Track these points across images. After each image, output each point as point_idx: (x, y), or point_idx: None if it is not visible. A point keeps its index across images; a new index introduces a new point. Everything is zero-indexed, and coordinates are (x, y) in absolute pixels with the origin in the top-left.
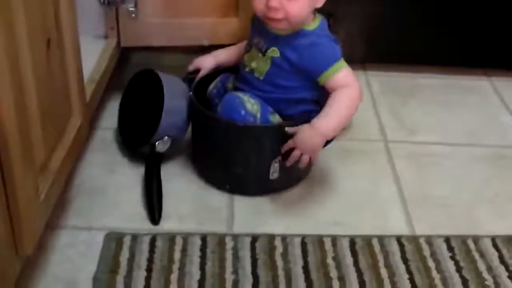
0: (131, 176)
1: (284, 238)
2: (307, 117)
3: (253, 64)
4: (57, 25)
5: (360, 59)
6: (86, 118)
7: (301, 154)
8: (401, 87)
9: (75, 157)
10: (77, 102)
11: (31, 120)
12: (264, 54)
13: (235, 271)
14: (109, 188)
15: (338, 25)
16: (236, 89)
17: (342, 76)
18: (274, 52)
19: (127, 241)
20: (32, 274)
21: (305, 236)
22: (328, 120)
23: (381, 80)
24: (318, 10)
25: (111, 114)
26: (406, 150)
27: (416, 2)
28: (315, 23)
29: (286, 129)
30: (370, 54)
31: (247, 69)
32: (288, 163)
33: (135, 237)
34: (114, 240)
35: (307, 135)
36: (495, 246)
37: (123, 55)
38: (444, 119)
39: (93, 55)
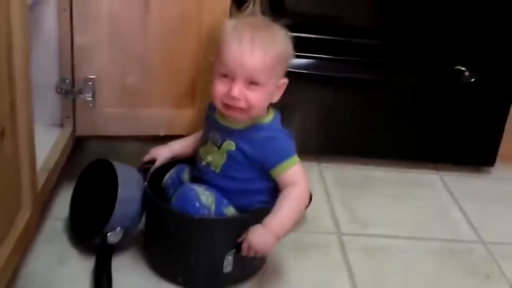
0: (81, 269)
1: None
2: (260, 209)
3: (209, 158)
4: (12, 114)
5: (314, 151)
6: (36, 210)
7: (255, 253)
8: (354, 180)
9: (23, 250)
10: (28, 193)
11: None
12: (219, 147)
13: None
14: (57, 281)
15: (291, 118)
16: (194, 180)
17: (293, 173)
18: (230, 145)
19: None
20: None
21: None
22: (279, 219)
23: (334, 172)
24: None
25: (63, 204)
26: (359, 243)
27: (367, 97)
28: (269, 117)
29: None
30: (323, 147)
31: (203, 163)
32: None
33: None
34: None
35: (259, 234)
36: None
37: (77, 143)
38: (396, 212)
39: (47, 144)
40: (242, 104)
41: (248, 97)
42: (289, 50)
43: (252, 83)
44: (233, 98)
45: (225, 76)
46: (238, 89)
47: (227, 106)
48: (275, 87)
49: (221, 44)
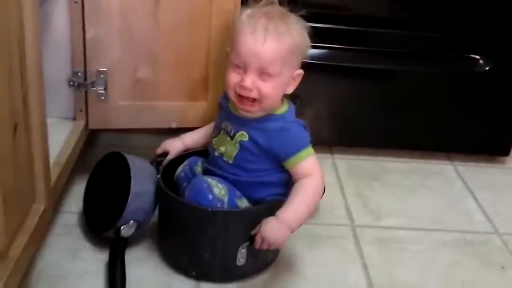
0: (94, 262)
1: None
2: (274, 201)
3: (222, 148)
4: (25, 110)
5: (327, 142)
6: (50, 203)
7: (268, 245)
8: (367, 171)
9: (37, 244)
10: (41, 186)
11: None
12: (232, 138)
13: None
14: (71, 275)
15: (305, 109)
16: (206, 171)
17: (307, 164)
18: (243, 136)
19: None
20: None
21: None
22: (293, 211)
23: (348, 163)
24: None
25: (76, 197)
26: (373, 235)
27: (381, 87)
28: (283, 108)
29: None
30: (337, 138)
31: (216, 153)
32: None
33: None
34: None
35: (273, 227)
36: None
37: (90, 136)
38: (409, 203)
39: (60, 137)
40: (254, 94)
41: (261, 88)
42: (305, 41)
43: (264, 73)
44: (245, 88)
45: (238, 66)
46: (250, 79)
47: (240, 97)
48: (289, 78)
49: (235, 34)
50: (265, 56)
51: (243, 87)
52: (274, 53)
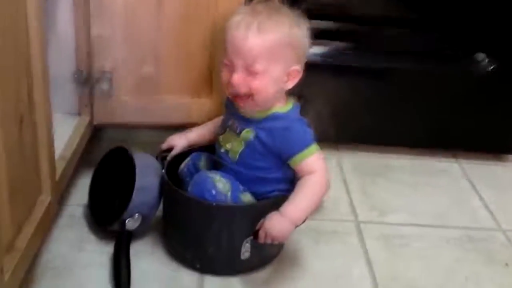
0: (99, 254)
1: None
2: (278, 197)
3: (228, 145)
4: (30, 103)
5: (332, 139)
6: (55, 196)
7: (272, 240)
8: (372, 168)
9: (43, 235)
10: (47, 179)
11: (0, 198)
12: (238, 135)
13: None
14: (77, 267)
15: (309, 106)
16: (212, 166)
17: (311, 162)
18: (249, 133)
19: None
20: None
21: None
22: (296, 207)
23: (352, 160)
24: (289, 93)
25: (81, 191)
26: (377, 231)
27: (386, 85)
28: (287, 106)
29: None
30: (342, 135)
31: (222, 150)
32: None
33: None
34: None
35: (276, 222)
36: None
37: (95, 131)
38: (414, 200)
39: (65, 132)
40: (243, 90)
41: (250, 84)
42: (298, 36)
43: (251, 69)
44: (233, 85)
45: (227, 64)
46: (237, 76)
47: (234, 94)
48: (282, 74)
49: (225, 32)
50: (247, 53)
51: (231, 84)
52: (257, 49)
